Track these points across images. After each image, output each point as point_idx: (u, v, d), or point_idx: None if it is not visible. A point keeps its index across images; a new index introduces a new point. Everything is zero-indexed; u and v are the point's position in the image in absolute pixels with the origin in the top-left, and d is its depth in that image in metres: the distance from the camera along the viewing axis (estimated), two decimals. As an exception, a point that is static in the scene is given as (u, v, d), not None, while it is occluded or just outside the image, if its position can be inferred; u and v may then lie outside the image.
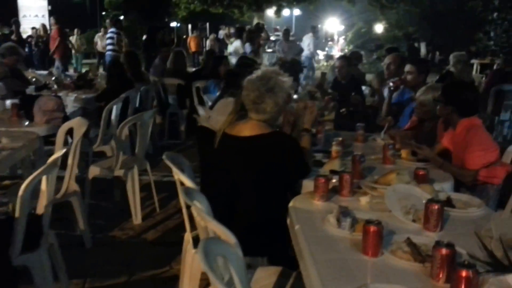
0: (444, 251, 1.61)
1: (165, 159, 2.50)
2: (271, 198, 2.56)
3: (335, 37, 26.21)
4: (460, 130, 3.12)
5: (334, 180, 2.62)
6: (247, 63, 5.38)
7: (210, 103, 5.17)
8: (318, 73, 13.85)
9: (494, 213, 2.36)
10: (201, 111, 4.49)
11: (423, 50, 21.39)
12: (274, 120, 2.70)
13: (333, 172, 2.79)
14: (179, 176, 2.41)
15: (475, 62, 12.71)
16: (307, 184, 2.69)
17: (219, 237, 1.77)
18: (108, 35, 11.07)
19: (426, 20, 19.91)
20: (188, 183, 2.32)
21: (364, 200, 2.37)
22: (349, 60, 6.34)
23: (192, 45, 18.98)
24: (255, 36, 10.94)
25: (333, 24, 26.03)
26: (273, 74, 2.64)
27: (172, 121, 7.18)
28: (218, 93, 5.18)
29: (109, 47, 10.81)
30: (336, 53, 21.38)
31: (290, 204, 2.40)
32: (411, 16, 20.71)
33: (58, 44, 11.45)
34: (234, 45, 10.80)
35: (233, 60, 9.13)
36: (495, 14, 5.41)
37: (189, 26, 28.44)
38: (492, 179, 3.02)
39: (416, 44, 20.06)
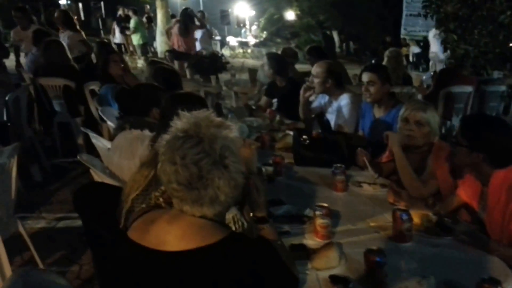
0: None
1: None
2: None
3: (247, 23, 24.94)
4: (495, 186, 2.09)
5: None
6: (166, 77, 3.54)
7: (110, 123, 3.65)
8: (235, 62, 11.84)
9: None
10: (96, 140, 3.05)
11: (336, 39, 20.87)
12: (223, 214, 1.45)
13: (336, 280, 1.65)
14: None
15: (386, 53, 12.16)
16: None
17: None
18: None
19: (336, 8, 19.36)
20: None
21: None
22: (282, 58, 5.08)
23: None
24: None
25: (243, 9, 24.65)
26: (213, 128, 1.38)
27: (64, 133, 5.36)
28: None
29: None
30: (251, 39, 20.26)
31: None
32: (322, 3, 20.08)
33: None
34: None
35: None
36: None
37: (80, 5, 24.89)
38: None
39: (328, 33, 19.49)
